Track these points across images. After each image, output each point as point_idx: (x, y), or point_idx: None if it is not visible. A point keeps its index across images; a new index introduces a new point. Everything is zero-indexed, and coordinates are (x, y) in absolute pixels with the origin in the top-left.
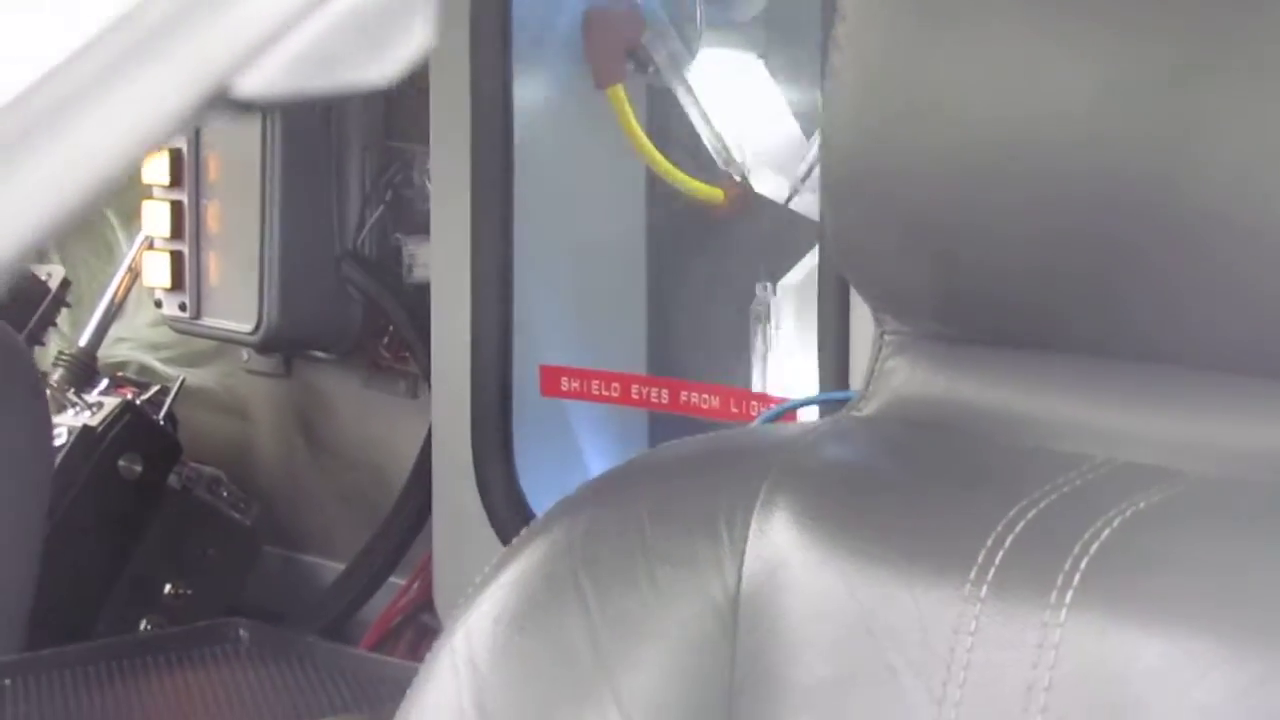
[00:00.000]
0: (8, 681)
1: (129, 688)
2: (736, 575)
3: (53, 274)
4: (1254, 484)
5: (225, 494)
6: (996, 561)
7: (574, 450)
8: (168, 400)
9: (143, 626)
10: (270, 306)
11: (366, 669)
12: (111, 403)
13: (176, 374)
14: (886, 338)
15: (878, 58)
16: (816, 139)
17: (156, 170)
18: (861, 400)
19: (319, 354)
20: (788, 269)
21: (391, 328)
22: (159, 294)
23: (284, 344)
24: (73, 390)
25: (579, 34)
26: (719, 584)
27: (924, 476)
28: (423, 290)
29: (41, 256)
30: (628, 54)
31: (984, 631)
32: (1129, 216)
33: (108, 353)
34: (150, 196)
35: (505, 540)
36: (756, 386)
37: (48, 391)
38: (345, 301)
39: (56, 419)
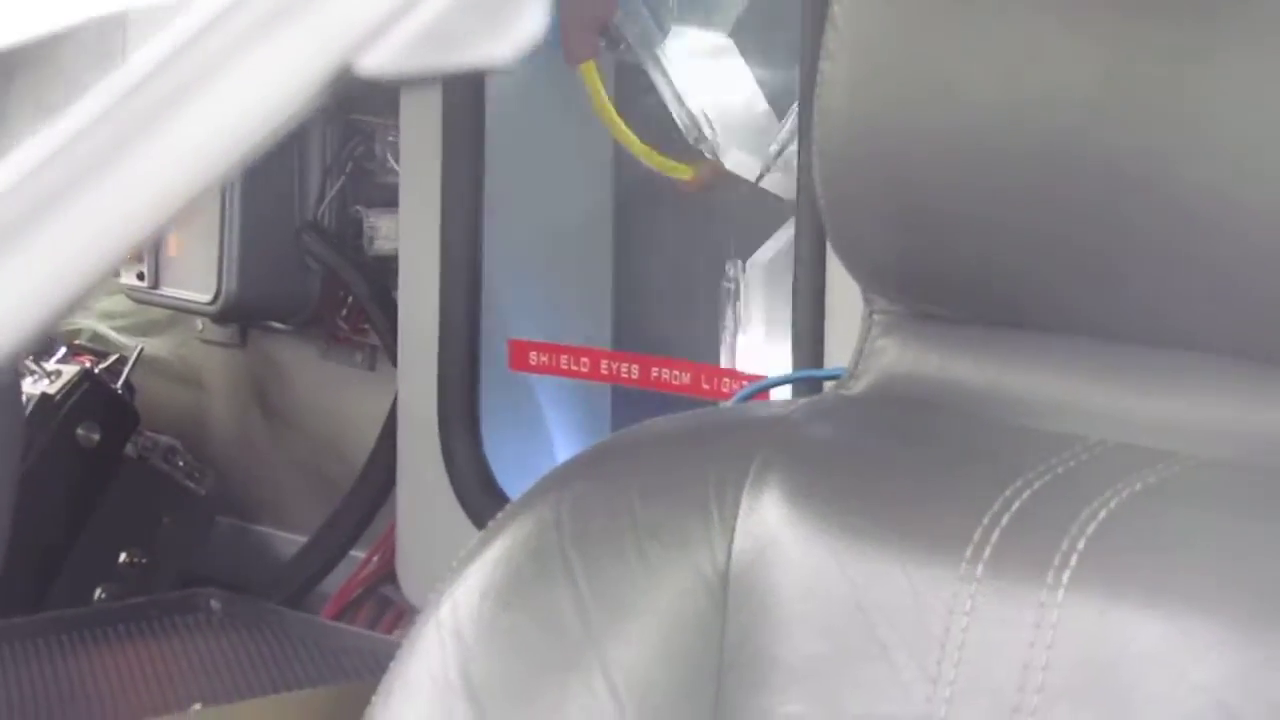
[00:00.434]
0: None
1: (102, 656)
2: (726, 551)
3: None
4: (1250, 467)
5: (181, 463)
6: (992, 540)
7: (539, 425)
8: (125, 369)
9: (97, 595)
10: (229, 277)
11: (340, 641)
12: (70, 371)
13: (131, 343)
14: (876, 317)
15: (875, 37)
16: (790, 117)
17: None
18: (850, 379)
19: (276, 324)
20: (758, 246)
21: (350, 299)
22: None
23: (242, 314)
24: (30, 358)
25: (551, 9)
26: (709, 560)
27: (916, 455)
28: (383, 262)
29: None
30: (600, 31)
31: (980, 611)
32: (1125, 198)
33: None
34: None
35: (471, 514)
36: (725, 363)
37: None
38: (304, 273)
39: None
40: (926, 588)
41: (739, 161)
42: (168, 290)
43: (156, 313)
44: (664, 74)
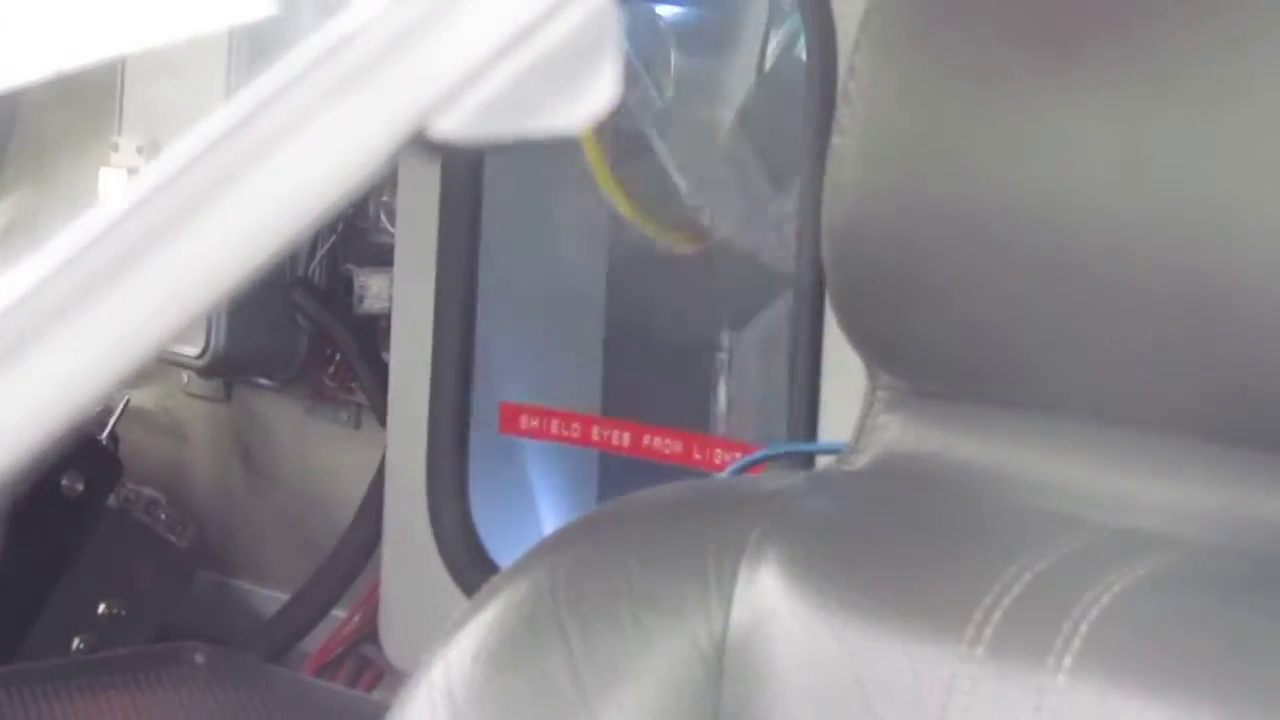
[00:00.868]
0: None
1: (86, 707)
2: (723, 622)
3: None
4: (1251, 555)
5: (163, 516)
6: (993, 621)
7: (525, 489)
8: (111, 420)
9: (75, 645)
10: (217, 331)
11: (326, 700)
12: None
13: (116, 395)
14: (879, 393)
15: (889, 113)
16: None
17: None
18: (852, 454)
19: (262, 380)
20: (751, 318)
21: (338, 357)
22: None
23: (229, 369)
24: None
25: None
26: (705, 630)
27: (918, 532)
28: (372, 321)
29: None
30: None
31: (979, 691)
32: (1135, 281)
33: None
34: None
35: (456, 576)
36: (717, 433)
37: None
38: (292, 329)
39: None
40: (926, 666)
41: (735, 232)
42: None
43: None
44: (663, 141)
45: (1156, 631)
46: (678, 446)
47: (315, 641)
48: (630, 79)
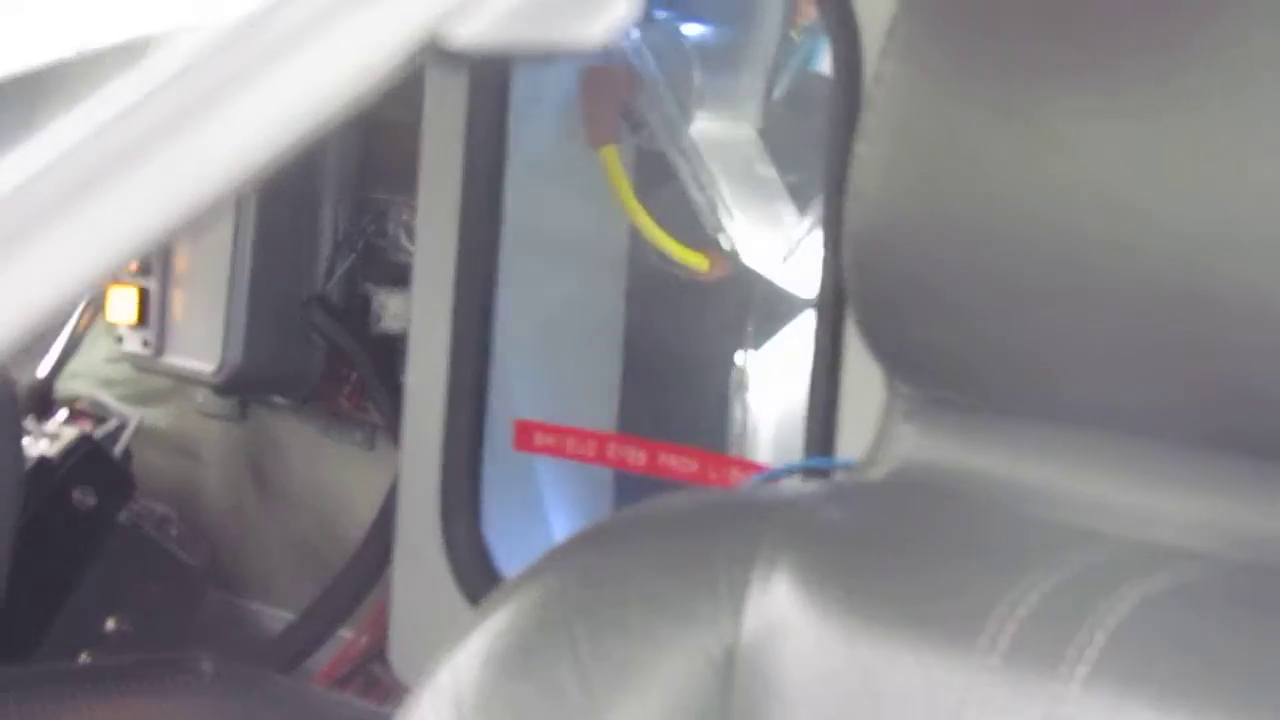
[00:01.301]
0: None
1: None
2: (734, 630)
3: None
4: (1270, 569)
5: (174, 533)
6: (1008, 630)
7: (538, 507)
8: (125, 435)
9: (82, 660)
10: (233, 348)
11: (333, 709)
12: (69, 434)
13: (130, 412)
14: (898, 402)
15: (914, 121)
16: (810, 213)
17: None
18: (868, 464)
19: (276, 399)
20: (768, 339)
21: (354, 376)
22: (121, 330)
23: (245, 386)
24: (31, 418)
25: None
26: (715, 638)
27: (932, 542)
28: (389, 340)
29: None
30: (622, 114)
31: (992, 701)
32: (1155, 294)
33: (60, 386)
34: None
35: (467, 594)
36: (732, 453)
37: None
38: (308, 348)
39: None
40: (939, 675)
41: (755, 254)
42: (170, 358)
43: (157, 382)
44: (685, 161)
45: (1173, 643)
46: (694, 465)
47: (321, 661)
48: (653, 97)
